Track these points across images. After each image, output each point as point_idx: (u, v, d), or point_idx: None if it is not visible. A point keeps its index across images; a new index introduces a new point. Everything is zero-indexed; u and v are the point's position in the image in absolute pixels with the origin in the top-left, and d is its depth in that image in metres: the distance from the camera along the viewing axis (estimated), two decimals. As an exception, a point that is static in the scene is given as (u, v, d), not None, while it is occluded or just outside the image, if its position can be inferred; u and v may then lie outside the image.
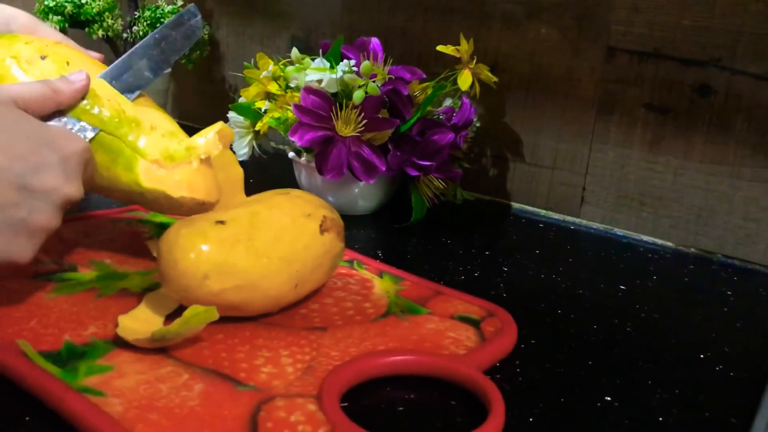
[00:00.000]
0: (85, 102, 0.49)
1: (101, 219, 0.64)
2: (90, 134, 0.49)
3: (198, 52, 0.99)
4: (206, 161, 0.52)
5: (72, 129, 0.48)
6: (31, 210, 0.42)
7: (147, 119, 0.52)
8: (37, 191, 0.42)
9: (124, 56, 0.53)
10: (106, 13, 0.92)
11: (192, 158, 0.51)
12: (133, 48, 0.54)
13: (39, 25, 0.53)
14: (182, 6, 0.98)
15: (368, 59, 0.71)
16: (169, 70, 0.55)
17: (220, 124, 0.52)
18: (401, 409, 0.41)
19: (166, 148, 0.51)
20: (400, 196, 0.76)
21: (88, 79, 0.49)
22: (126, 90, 0.52)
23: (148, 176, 0.50)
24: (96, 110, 0.50)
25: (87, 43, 0.57)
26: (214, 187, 0.52)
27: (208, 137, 0.52)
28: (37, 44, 0.51)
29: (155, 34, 0.54)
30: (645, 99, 0.72)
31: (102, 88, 0.51)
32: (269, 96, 0.75)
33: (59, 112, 0.48)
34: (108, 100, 0.51)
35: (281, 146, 0.92)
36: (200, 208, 0.51)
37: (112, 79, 0.52)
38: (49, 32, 0.54)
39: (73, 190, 0.44)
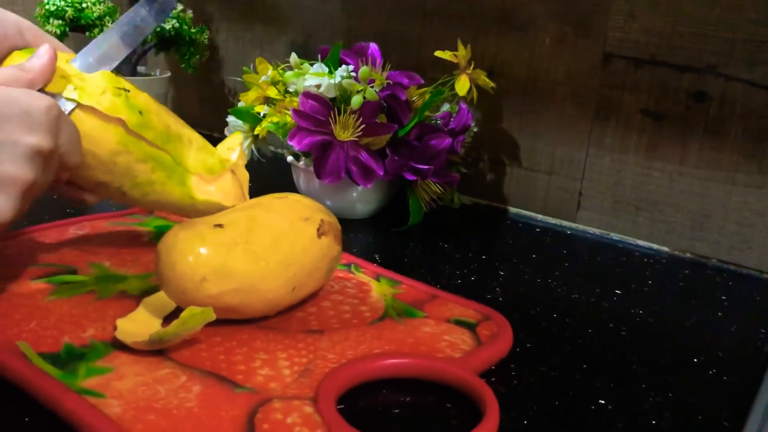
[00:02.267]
0: (139, 115, 0.50)
1: (100, 222, 0.64)
2: (69, 106, 0.48)
3: (197, 56, 1.00)
4: (234, 170, 0.57)
5: None
6: None
7: (184, 134, 0.55)
8: None
9: (100, 35, 0.53)
10: (107, 17, 0.93)
11: (226, 170, 0.56)
12: (109, 27, 0.54)
13: (46, 36, 0.52)
14: (182, 10, 0.98)
15: (367, 64, 0.71)
16: (138, 45, 0.58)
17: (240, 136, 0.59)
18: (397, 411, 0.41)
19: (204, 161, 0.55)
20: (398, 201, 0.76)
21: (54, 51, 0.48)
22: (100, 64, 0.52)
23: (200, 189, 0.54)
24: (148, 125, 0.51)
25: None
26: (245, 192, 0.58)
27: (237, 150, 0.57)
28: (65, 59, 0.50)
29: (129, 13, 0.55)
30: (641, 105, 0.73)
31: (148, 102, 0.52)
32: (268, 100, 0.75)
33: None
34: (157, 115, 0.52)
35: (280, 150, 0.93)
36: None
37: (88, 55, 0.51)
38: (55, 44, 0.52)
39: (39, 140, 0.43)
